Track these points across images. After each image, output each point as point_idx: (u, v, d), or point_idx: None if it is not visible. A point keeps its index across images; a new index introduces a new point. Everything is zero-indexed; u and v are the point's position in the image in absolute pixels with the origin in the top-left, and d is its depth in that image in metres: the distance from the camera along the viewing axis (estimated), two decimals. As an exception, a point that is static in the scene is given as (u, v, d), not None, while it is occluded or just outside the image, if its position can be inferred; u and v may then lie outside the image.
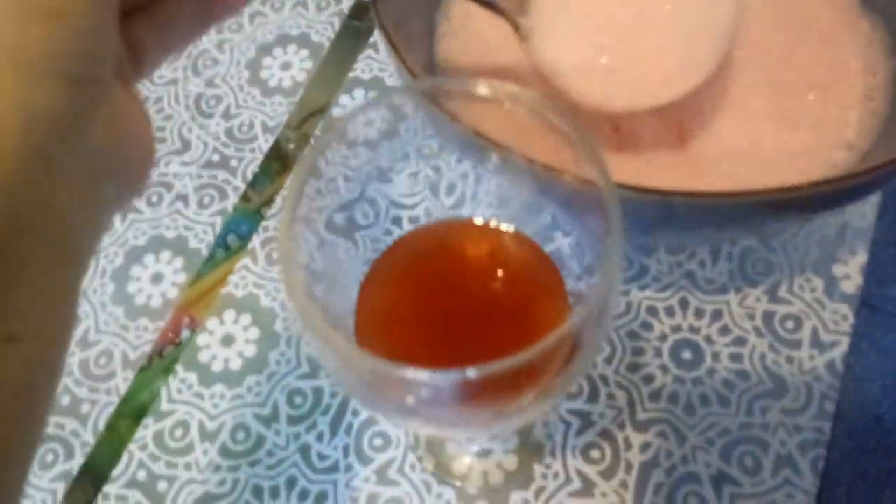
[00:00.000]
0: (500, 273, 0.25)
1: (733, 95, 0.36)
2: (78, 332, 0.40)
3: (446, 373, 0.16)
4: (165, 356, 0.39)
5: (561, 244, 0.25)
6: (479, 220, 0.26)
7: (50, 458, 0.37)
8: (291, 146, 0.45)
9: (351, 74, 0.47)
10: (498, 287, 0.24)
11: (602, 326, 0.19)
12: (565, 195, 0.23)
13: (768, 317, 0.37)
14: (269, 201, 0.43)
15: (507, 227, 0.25)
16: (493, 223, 0.26)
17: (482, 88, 0.19)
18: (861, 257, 0.38)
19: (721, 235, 0.31)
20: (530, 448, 0.35)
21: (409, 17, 0.36)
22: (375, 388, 0.19)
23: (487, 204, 0.26)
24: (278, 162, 0.44)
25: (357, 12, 0.49)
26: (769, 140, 0.35)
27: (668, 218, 0.28)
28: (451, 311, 0.24)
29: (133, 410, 0.38)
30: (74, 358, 0.39)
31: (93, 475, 0.36)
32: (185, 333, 0.39)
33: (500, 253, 0.25)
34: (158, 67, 0.22)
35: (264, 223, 0.42)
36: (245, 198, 0.43)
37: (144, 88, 0.47)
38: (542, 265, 0.25)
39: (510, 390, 0.19)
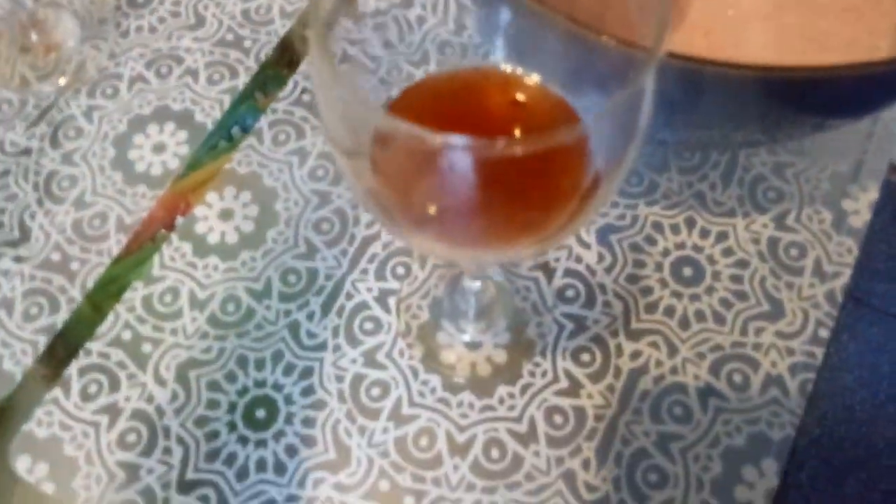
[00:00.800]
0: (521, 123, 0.24)
1: (767, 9, 0.35)
2: (73, 193, 0.39)
3: (470, 139, 0.16)
4: (158, 240, 0.38)
5: (589, 104, 0.24)
6: (506, 68, 0.25)
7: (34, 310, 0.36)
8: (301, 42, 0.44)
9: (375, -30, 0.46)
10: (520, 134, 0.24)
11: (624, 146, 0.19)
12: (603, 60, 0.22)
13: (773, 242, 0.37)
14: (274, 103, 0.42)
15: (534, 79, 0.25)
16: (519, 72, 0.25)
17: None
18: (872, 194, 0.38)
19: (739, 131, 0.31)
20: (521, 345, 0.35)
21: None
22: (397, 185, 0.18)
23: (516, 52, 0.25)
24: (287, 66, 0.43)
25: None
26: (797, 58, 0.34)
27: (694, 93, 0.27)
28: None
29: (118, 289, 0.37)
30: (68, 217, 0.38)
31: (76, 332, 0.36)
32: (179, 221, 0.38)
33: (524, 103, 0.24)
34: None
35: (273, 106, 0.41)
36: (252, 96, 0.42)
37: (162, -37, 0.46)
38: (567, 119, 0.24)
39: (529, 200, 0.18)
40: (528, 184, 0.20)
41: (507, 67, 0.26)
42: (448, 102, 0.25)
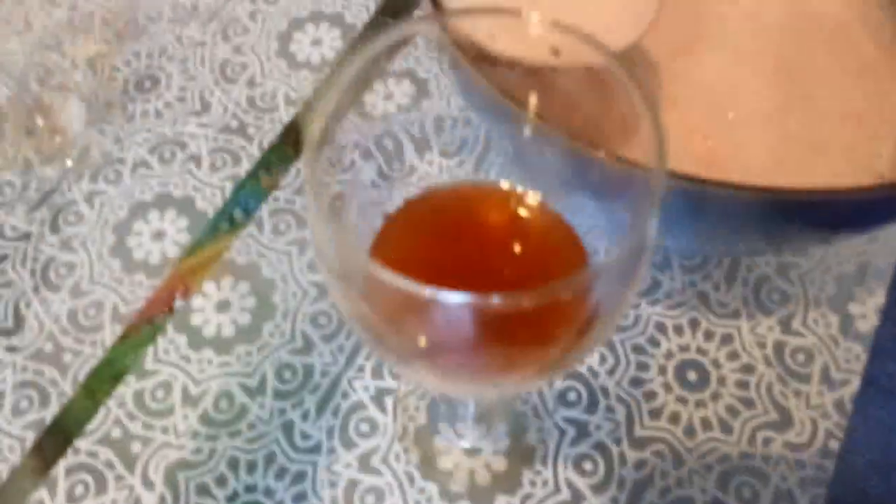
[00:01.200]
0: (520, 241, 0.24)
1: (767, 112, 0.35)
2: (70, 281, 0.39)
3: (464, 295, 0.15)
4: (156, 324, 0.38)
5: (588, 223, 0.24)
6: (504, 185, 0.25)
7: (24, 404, 0.35)
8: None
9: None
10: (518, 253, 0.23)
11: (624, 290, 0.18)
12: (602, 174, 0.22)
13: (779, 347, 0.36)
14: (278, 185, 0.42)
15: (533, 196, 0.25)
16: (518, 190, 0.25)
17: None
18: (879, 298, 0.37)
19: (741, 244, 0.31)
20: (521, 452, 0.34)
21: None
22: (388, 315, 0.18)
23: (514, 170, 0.25)
24: (294, 146, 0.43)
25: (392, 4, 0.49)
26: (798, 162, 0.34)
27: (688, 213, 0.27)
28: (467, 270, 0.23)
29: (114, 373, 0.36)
30: (64, 306, 0.38)
31: (66, 428, 0.35)
32: (178, 304, 0.38)
33: (522, 221, 0.24)
34: None
35: (276, 193, 0.41)
36: (256, 177, 0.42)
37: (171, 47, 0.47)
38: (565, 239, 0.24)
39: (523, 340, 0.18)
40: (524, 325, 0.20)
41: (507, 184, 0.26)
42: (449, 219, 0.25)
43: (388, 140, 0.27)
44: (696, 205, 0.27)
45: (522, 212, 0.25)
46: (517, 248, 0.25)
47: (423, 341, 0.19)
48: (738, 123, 0.36)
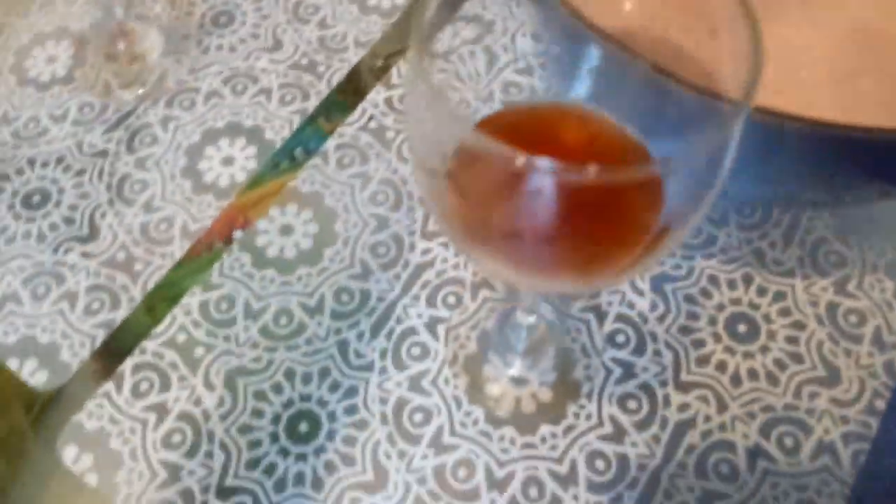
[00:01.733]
0: (598, 161, 0.24)
1: (840, 74, 0.35)
2: (143, 197, 0.40)
3: (556, 164, 0.16)
4: (214, 251, 0.39)
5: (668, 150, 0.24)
6: (584, 107, 0.26)
7: (96, 305, 0.37)
8: (377, 66, 0.45)
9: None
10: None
11: (697, 200, 0.19)
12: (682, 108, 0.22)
13: (832, 307, 0.36)
14: (336, 129, 0.43)
15: (613, 120, 0.25)
16: (599, 112, 0.25)
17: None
18: (938, 267, 0.37)
19: (807, 189, 0.31)
20: (567, 386, 0.35)
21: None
22: (477, 199, 0.19)
23: (596, 92, 0.26)
24: (354, 96, 0.44)
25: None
26: (868, 123, 0.34)
27: (768, 150, 0.28)
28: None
29: (174, 296, 0.38)
30: (136, 219, 0.40)
31: (135, 329, 0.37)
32: (237, 234, 0.39)
33: (602, 142, 0.25)
34: None
35: (340, 129, 0.43)
36: (315, 122, 0.43)
37: (248, -13, 0.48)
38: (643, 162, 0.24)
39: (602, 235, 0.19)
40: (602, 217, 0.20)
41: (587, 106, 0.27)
42: (525, 134, 0.26)
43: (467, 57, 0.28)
44: (766, 142, 0.27)
45: (601, 133, 0.26)
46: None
47: (504, 230, 0.20)
48: (809, 83, 0.36)
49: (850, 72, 0.36)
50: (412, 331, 0.36)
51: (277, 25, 0.46)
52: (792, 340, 0.36)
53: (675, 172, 0.19)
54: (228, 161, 0.42)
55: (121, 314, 0.37)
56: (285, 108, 0.43)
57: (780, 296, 0.37)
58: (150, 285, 0.38)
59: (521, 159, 0.17)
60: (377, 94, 0.44)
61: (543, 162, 0.17)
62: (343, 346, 0.36)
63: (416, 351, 0.36)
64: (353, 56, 0.45)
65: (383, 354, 0.36)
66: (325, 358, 0.36)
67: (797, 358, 0.35)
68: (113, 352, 0.36)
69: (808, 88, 0.36)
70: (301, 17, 0.47)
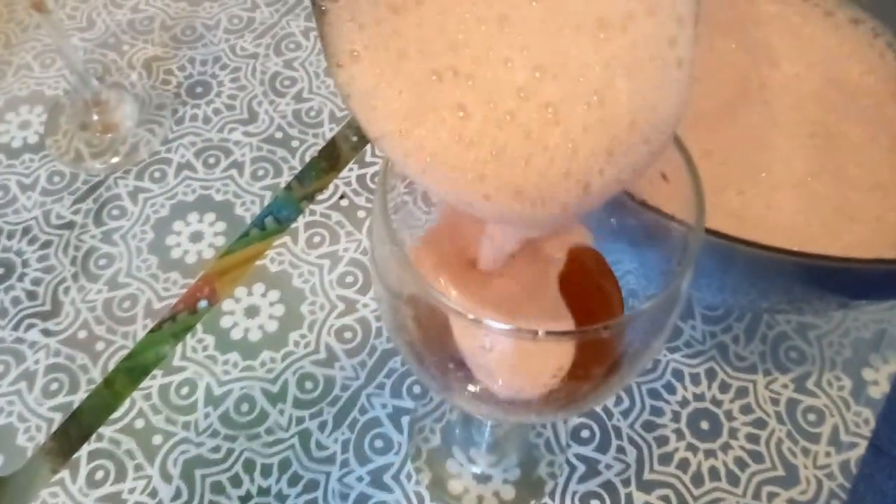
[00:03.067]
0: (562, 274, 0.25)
1: (799, 176, 0.36)
2: (108, 272, 0.40)
3: (509, 324, 0.16)
4: (178, 321, 0.39)
5: (625, 267, 0.25)
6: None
7: (54, 386, 0.37)
8: (350, 142, 0.45)
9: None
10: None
11: (653, 338, 0.19)
12: (642, 224, 0.23)
13: (792, 405, 0.37)
14: (311, 195, 0.43)
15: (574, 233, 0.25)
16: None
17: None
18: (892, 366, 0.38)
19: (764, 302, 0.31)
20: (531, 483, 0.35)
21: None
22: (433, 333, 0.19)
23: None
24: (329, 161, 0.45)
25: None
26: (826, 228, 0.35)
27: (715, 267, 0.28)
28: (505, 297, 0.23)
29: (135, 367, 0.37)
30: (100, 296, 0.39)
31: (91, 414, 0.36)
32: (202, 304, 0.39)
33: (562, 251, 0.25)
34: None
35: (312, 207, 0.43)
36: (289, 187, 0.43)
37: (225, 57, 0.48)
38: (604, 276, 0.25)
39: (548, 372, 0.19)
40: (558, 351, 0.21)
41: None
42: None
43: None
44: (724, 261, 0.28)
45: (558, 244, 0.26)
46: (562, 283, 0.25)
47: (460, 361, 0.20)
48: (770, 183, 0.37)
49: (809, 172, 0.37)
50: (376, 422, 0.36)
51: (254, 97, 0.47)
52: (752, 438, 0.36)
53: (630, 330, 0.19)
54: (197, 237, 0.41)
55: (79, 396, 0.36)
56: (257, 182, 0.43)
57: (742, 392, 0.37)
58: (111, 366, 0.37)
59: (471, 317, 0.17)
60: (350, 172, 0.44)
61: (495, 324, 0.17)
62: (305, 437, 0.35)
63: (379, 443, 0.35)
64: (328, 131, 0.46)
65: (346, 446, 0.35)
66: (286, 449, 0.35)
67: (757, 457, 0.35)
68: (70, 437, 0.36)
69: (768, 189, 0.37)
70: (277, 90, 0.47)
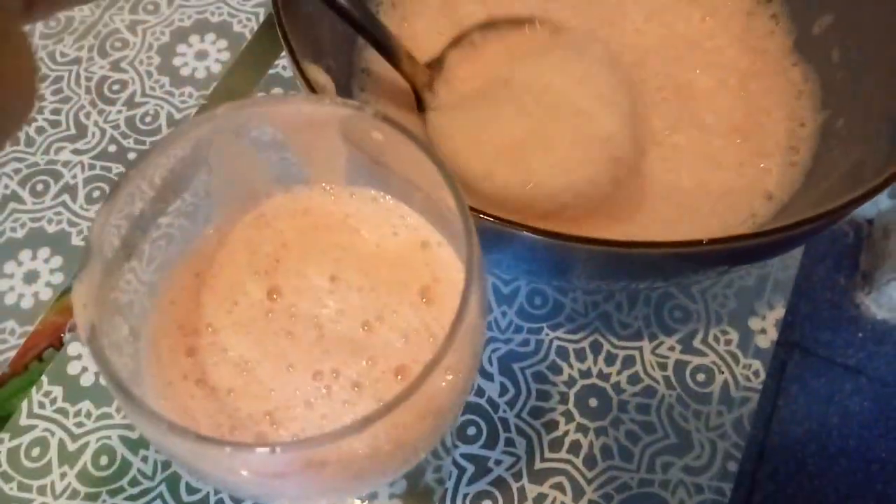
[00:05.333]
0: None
1: (658, 134, 0.34)
2: (-65, 331, 0.36)
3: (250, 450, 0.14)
4: (31, 370, 0.35)
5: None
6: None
7: None
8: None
9: (271, 71, 0.44)
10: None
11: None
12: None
13: (680, 367, 0.36)
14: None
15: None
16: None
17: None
18: (779, 311, 0.37)
19: (639, 284, 0.30)
20: (419, 493, 0.33)
21: (325, 17, 0.33)
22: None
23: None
24: None
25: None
26: (694, 179, 0.33)
27: (573, 265, 0.26)
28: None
29: (4, 414, 0.34)
30: (-73, 360, 0.35)
31: (-67, 493, 0.33)
32: (48, 351, 0.36)
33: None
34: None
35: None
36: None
37: (43, 66, 0.43)
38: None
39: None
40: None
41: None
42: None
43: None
44: (583, 260, 0.26)
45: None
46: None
47: (234, 474, 0.17)
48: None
49: (665, 128, 0.35)
50: (249, 453, 0.33)
51: (80, 109, 0.42)
52: (643, 409, 0.35)
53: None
54: (32, 276, 0.38)
55: (-84, 478, 0.33)
56: (93, 206, 0.39)
57: (628, 361, 0.36)
58: (-51, 438, 0.34)
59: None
60: (197, 179, 0.40)
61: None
62: (173, 483, 0.33)
63: (254, 476, 0.33)
64: (168, 137, 0.41)
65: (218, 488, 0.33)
66: (153, 499, 0.33)
67: (649, 427, 0.34)
68: None
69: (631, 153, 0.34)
70: (106, 97, 0.42)
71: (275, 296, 0.19)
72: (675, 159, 0.34)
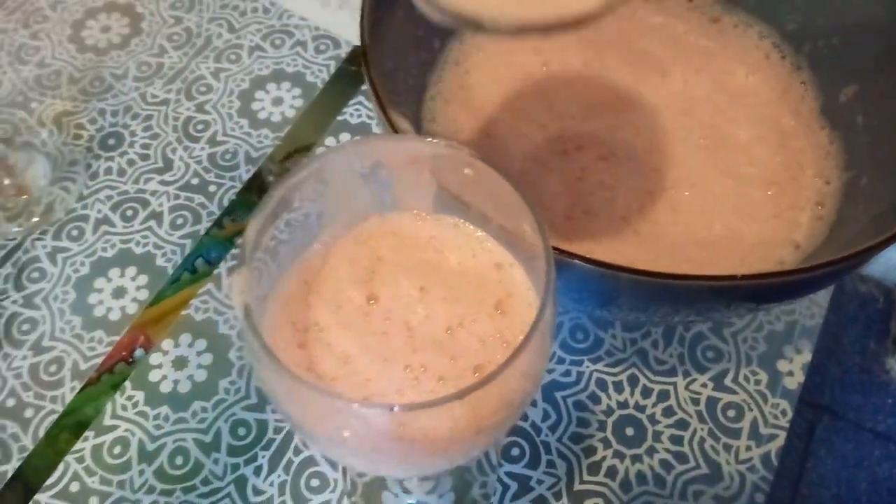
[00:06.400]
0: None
1: (696, 179, 0.37)
2: (32, 337, 0.40)
3: (371, 406, 0.17)
4: (116, 372, 0.39)
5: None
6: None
7: (-17, 460, 0.36)
8: (272, 179, 0.46)
9: (340, 118, 0.48)
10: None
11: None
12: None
13: (712, 403, 0.38)
14: (242, 231, 0.43)
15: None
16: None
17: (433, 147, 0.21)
18: (805, 356, 0.39)
19: (674, 317, 0.32)
20: (465, 506, 0.35)
21: (400, 72, 0.38)
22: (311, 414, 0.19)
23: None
24: (257, 194, 0.45)
25: (353, 57, 0.51)
26: (728, 229, 0.36)
27: (617, 294, 0.29)
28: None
29: (75, 423, 0.37)
30: (25, 362, 0.39)
31: (26, 481, 0.36)
32: (138, 352, 0.39)
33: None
34: None
35: (234, 251, 0.43)
36: (219, 224, 0.44)
37: (136, 105, 0.48)
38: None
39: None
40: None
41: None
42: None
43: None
44: (618, 290, 0.29)
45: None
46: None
47: (341, 433, 0.20)
48: (669, 187, 0.38)
49: (704, 176, 0.38)
50: (311, 461, 0.36)
51: (167, 145, 0.47)
52: (676, 440, 0.37)
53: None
54: (119, 292, 0.41)
55: (13, 465, 0.36)
56: (176, 232, 0.43)
57: (663, 395, 0.38)
58: (41, 432, 0.37)
59: (339, 403, 0.17)
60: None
61: (360, 407, 0.17)
62: (241, 484, 0.36)
63: (315, 482, 0.36)
64: (245, 173, 0.46)
65: (282, 488, 0.36)
66: (222, 497, 0.35)
67: (682, 457, 0.37)
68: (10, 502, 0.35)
69: (669, 193, 0.38)
70: (191, 135, 0.47)
71: (372, 301, 0.23)
72: (710, 205, 0.37)
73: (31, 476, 0.36)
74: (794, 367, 0.39)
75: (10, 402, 0.38)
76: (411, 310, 0.22)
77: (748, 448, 0.37)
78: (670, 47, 0.40)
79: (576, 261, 0.26)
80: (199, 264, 0.43)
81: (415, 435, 0.19)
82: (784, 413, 0.38)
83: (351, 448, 0.20)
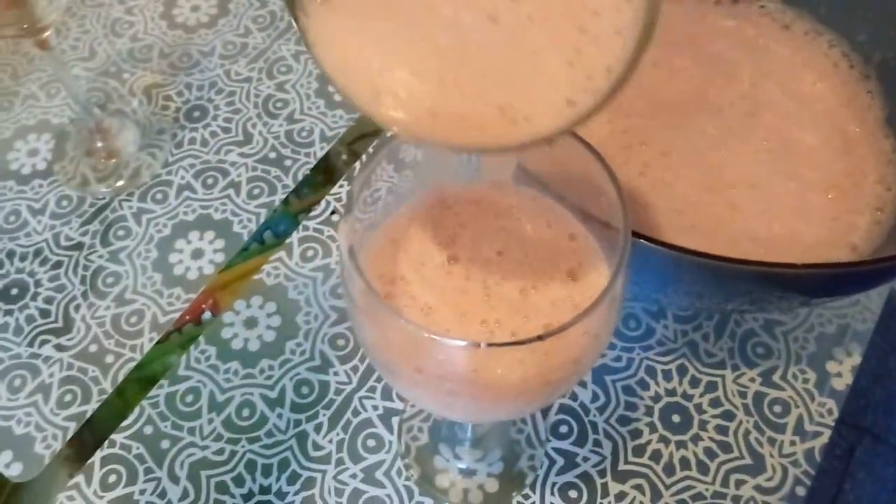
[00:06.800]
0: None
1: (757, 179, 0.38)
2: (115, 289, 0.43)
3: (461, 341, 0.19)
4: (184, 333, 0.42)
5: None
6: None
7: (68, 398, 0.39)
8: (342, 159, 0.48)
9: (410, 104, 0.50)
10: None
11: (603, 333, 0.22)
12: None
13: (759, 398, 0.39)
14: (307, 208, 0.46)
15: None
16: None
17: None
18: (855, 359, 0.40)
19: (727, 305, 0.34)
20: (513, 476, 0.37)
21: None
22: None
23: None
24: (324, 174, 0.47)
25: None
26: (787, 229, 0.37)
27: (677, 276, 0.30)
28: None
29: (144, 377, 0.40)
30: (109, 312, 0.42)
31: (104, 422, 0.39)
32: (206, 315, 0.42)
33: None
34: None
35: (305, 223, 0.45)
36: (286, 202, 0.46)
37: (220, 81, 0.51)
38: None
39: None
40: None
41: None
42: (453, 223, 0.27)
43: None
44: (685, 269, 0.30)
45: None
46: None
47: (423, 371, 0.22)
48: (730, 185, 0.39)
49: (765, 177, 0.39)
50: (368, 423, 0.38)
51: (248, 120, 0.49)
52: (721, 430, 0.38)
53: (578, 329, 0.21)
54: (198, 254, 0.44)
55: (92, 406, 0.39)
56: (253, 201, 0.46)
57: (711, 386, 0.39)
58: (121, 377, 0.40)
59: (429, 337, 0.19)
60: (341, 189, 0.47)
61: (451, 341, 0.19)
62: (302, 438, 0.38)
63: (371, 443, 0.38)
64: (319, 150, 0.48)
65: (340, 446, 0.38)
66: (284, 450, 0.38)
67: (726, 447, 0.38)
68: (84, 444, 0.38)
69: (729, 191, 0.39)
70: (270, 112, 0.50)
71: (453, 261, 0.25)
72: (770, 205, 0.38)
73: (108, 418, 0.39)
74: (844, 368, 0.40)
75: (93, 348, 0.41)
76: (489, 271, 0.24)
77: (792, 443, 0.38)
78: (740, 51, 0.41)
79: (641, 240, 0.28)
80: (267, 236, 0.45)
81: (488, 380, 0.21)
82: (830, 412, 0.39)
83: (429, 387, 0.22)
